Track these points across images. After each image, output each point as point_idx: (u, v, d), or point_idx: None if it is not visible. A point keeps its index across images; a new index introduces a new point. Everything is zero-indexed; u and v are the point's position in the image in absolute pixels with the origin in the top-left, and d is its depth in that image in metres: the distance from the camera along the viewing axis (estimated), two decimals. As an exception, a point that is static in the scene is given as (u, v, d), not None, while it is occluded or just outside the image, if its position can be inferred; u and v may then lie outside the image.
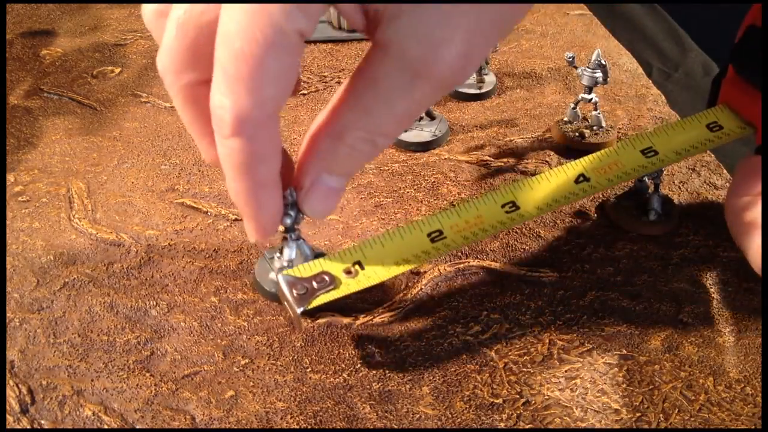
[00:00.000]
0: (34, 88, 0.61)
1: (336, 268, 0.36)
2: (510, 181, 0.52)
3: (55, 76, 0.62)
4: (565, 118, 0.56)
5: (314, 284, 0.35)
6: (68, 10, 0.72)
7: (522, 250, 0.46)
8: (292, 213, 0.39)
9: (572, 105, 0.56)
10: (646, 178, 0.47)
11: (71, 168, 0.52)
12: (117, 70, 0.63)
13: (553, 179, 0.40)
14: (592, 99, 0.55)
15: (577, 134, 0.55)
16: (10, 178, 0.51)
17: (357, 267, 0.36)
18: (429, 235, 0.37)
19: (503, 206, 0.39)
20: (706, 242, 0.47)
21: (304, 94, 0.61)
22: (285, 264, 0.40)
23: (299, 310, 0.35)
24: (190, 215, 0.49)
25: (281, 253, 0.40)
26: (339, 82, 0.62)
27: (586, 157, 0.41)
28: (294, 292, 0.35)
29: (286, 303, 0.36)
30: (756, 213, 0.37)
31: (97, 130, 0.56)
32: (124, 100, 0.60)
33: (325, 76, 0.63)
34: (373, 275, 0.36)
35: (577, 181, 0.40)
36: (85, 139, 0.55)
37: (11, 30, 0.69)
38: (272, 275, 0.41)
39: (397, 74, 0.29)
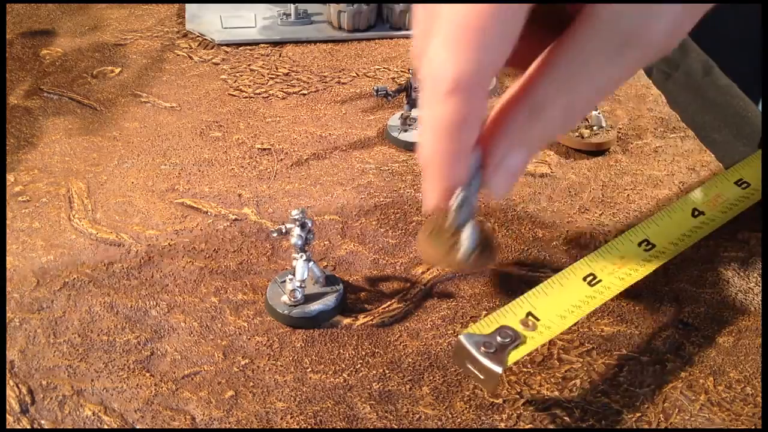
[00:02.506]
0: (34, 88, 0.61)
1: (511, 320, 0.36)
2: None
3: (55, 76, 0.62)
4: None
5: (499, 339, 0.35)
6: (68, 10, 0.72)
7: (522, 250, 0.46)
8: (302, 234, 0.40)
9: None
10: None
11: (71, 168, 0.52)
12: (117, 70, 0.63)
13: (674, 215, 0.44)
14: None
15: (577, 134, 0.55)
16: (10, 178, 0.51)
17: (531, 318, 0.36)
18: (584, 279, 0.39)
19: (639, 245, 0.41)
20: (707, 242, 0.47)
21: (304, 94, 0.61)
22: (297, 285, 0.41)
23: (499, 370, 0.33)
24: (190, 215, 0.49)
25: (293, 274, 0.41)
26: (339, 82, 0.62)
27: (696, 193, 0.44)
28: (483, 349, 0.34)
29: (470, 364, 0.34)
30: None
31: (97, 130, 0.56)
32: (124, 100, 0.60)
33: (325, 76, 0.63)
34: (552, 326, 0.36)
35: (693, 214, 0.44)
36: (85, 139, 0.55)
37: (11, 30, 0.69)
38: (284, 298, 0.41)
39: (605, 44, 0.29)
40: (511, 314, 0.37)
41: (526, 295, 0.38)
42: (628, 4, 0.28)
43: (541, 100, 0.30)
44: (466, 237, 0.36)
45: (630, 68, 0.30)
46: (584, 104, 0.31)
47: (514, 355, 0.35)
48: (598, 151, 0.55)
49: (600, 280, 0.39)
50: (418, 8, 0.32)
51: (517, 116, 0.31)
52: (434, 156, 0.31)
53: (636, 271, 0.40)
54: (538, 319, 0.36)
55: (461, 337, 0.35)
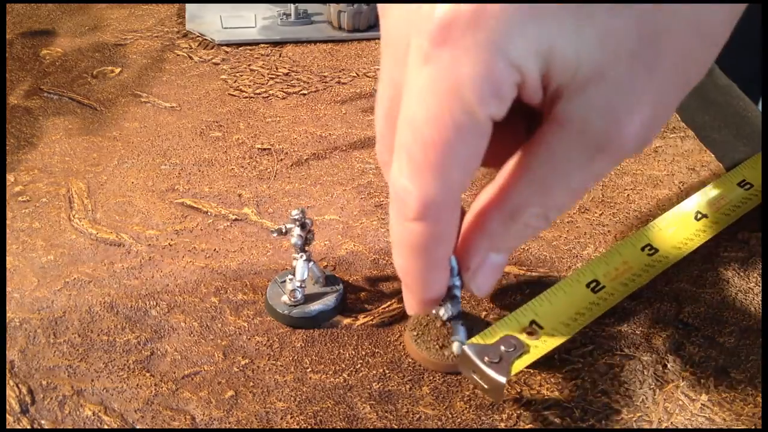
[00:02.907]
0: (34, 88, 0.61)
1: (515, 329, 0.36)
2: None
3: (55, 76, 0.62)
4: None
5: (502, 348, 0.35)
6: (68, 10, 0.72)
7: (522, 250, 0.46)
8: (302, 234, 0.40)
9: None
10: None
11: (71, 168, 0.52)
12: (117, 70, 0.63)
13: (676, 220, 0.44)
14: None
15: None
16: (10, 178, 0.51)
17: (535, 327, 0.36)
18: (588, 285, 0.39)
19: (642, 249, 0.42)
20: (706, 242, 0.47)
21: (304, 94, 0.61)
22: (297, 285, 0.41)
23: (503, 380, 0.33)
24: (190, 215, 0.49)
25: (293, 274, 0.41)
26: (339, 82, 0.62)
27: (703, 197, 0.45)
28: (486, 359, 0.34)
29: (475, 374, 0.34)
30: None
31: (97, 130, 0.56)
32: (124, 100, 0.60)
33: (325, 76, 0.63)
34: (555, 333, 0.36)
35: (696, 217, 0.44)
36: (85, 139, 0.55)
37: (11, 30, 0.69)
38: (284, 298, 0.41)
39: (577, 148, 0.28)
40: (514, 323, 0.37)
41: (529, 303, 0.38)
42: (597, 108, 0.27)
43: (517, 203, 0.30)
44: (457, 332, 0.37)
45: (604, 170, 0.29)
46: (560, 205, 0.31)
47: (518, 365, 0.35)
48: None
49: (603, 287, 0.39)
50: (378, 118, 0.31)
51: (494, 220, 0.31)
52: (408, 273, 0.32)
53: (639, 277, 0.40)
54: (541, 327, 0.36)
55: (465, 348, 0.35)
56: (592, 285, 0.39)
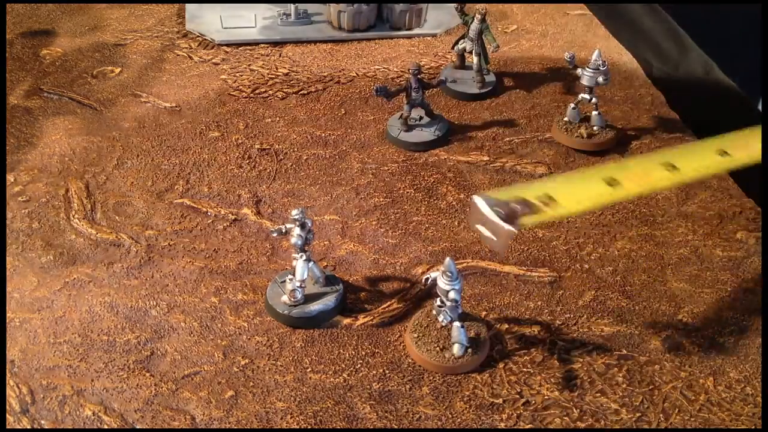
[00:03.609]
0: (34, 88, 0.61)
1: (529, 194, 0.37)
2: (511, 182, 0.52)
3: (55, 76, 0.62)
4: (566, 119, 0.56)
5: (512, 205, 0.36)
6: (68, 10, 0.72)
7: (521, 250, 0.46)
8: (302, 234, 0.40)
9: (572, 105, 0.56)
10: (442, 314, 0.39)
11: (71, 168, 0.52)
12: (117, 70, 0.63)
13: (699, 148, 0.43)
14: (592, 99, 0.55)
15: (577, 135, 0.55)
16: (10, 178, 0.51)
17: (549, 198, 0.37)
18: (605, 180, 0.39)
19: (661, 164, 0.41)
20: (705, 242, 0.47)
21: (303, 94, 0.61)
22: (297, 285, 0.41)
23: (512, 229, 0.35)
24: (190, 215, 0.49)
25: (293, 274, 0.41)
26: (339, 82, 0.62)
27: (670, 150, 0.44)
28: (496, 209, 0.35)
29: (484, 225, 0.36)
30: None
31: (97, 130, 0.56)
32: (124, 100, 0.60)
33: (325, 76, 0.63)
34: (567, 207, 0.37)
35: (720, 154, 0.43)
36: (85, 139, 0.55)
37: (11, 30, 0.69)
38: (284, 298, 0.41)
39: None
40: (529, 191, 0.37)
41: (546, 178, 0.39)
42: None
43: None
44: (456, 334, 0.38)
45: None
46: None
47: (527, 220, 0.35)
48: (598, 151, 0.55)
49: (620, 184, 0.39)
50: None
51: None
52: None
53: (655, 186, 0.40)
54: (554, 200, 0.37)
55: (475, 198, 0.36)
56: (609, 180, 0.39)
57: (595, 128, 0.55)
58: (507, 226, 0.35)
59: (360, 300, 0.43)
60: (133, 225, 0.48)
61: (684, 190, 0.51)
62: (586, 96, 0.55)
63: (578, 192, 0.38)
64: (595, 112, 0.55)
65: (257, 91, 0.61)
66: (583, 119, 0.56)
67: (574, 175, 0.39)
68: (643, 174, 0.40)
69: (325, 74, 0.63)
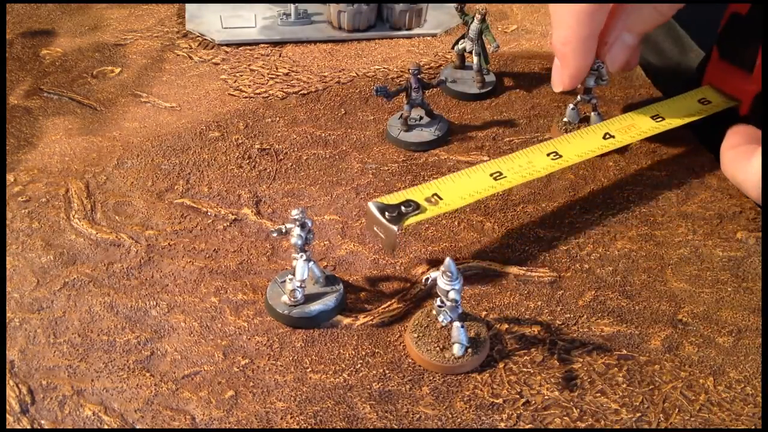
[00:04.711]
0: (34, 88, 0.61)
1: (418, 196, 0.43)
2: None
3: (55, 76, 0.62)
4: (565, 119, 0.56)
5: (402, 209, 0.42)
6: (68, 10, 0.72)
7: (521, 250, 0.46)
8: (302, 234, 0.40)
9: (572, 106, 0.56)
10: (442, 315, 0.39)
11: (71, 168, 0.52)
12: (117, 70, 0.63)
13: (585, 136, 0.50)
14: (591, 100, 0.55)
15: None
16: (10, 178, 0.51)
17: (436, 197, 0.43)
18: (491, 175, 0.45)
19: (548, 155, 0.47)
20: (705, 242, 0.47)
21: (303, 94, 0.61)
22: (297, 285, 0.41)
23: (396, 229, 0.40)
24: (190, 215, 0.49)
25: (293, 274, 0.41)
26: (339, 82, 0.62)
27: (608, 121, 0.52)
28: (386, 214, 0.41)
29: (377, 228, 0.41)
30: (750, 147, 0.44)
31: (97, 130, 0.56)
32: (124, 100, 0.60)
33: (325, 76, 0.63)
34: (450, 203, 0.43)
35: (604, 138, 0.50)
36: (84, 139, 0.55)
37: (11, 30, 0.69)
38: (284, 298, 0.41)
39: None
40: (418, 193, 0.43)
41: (435, 180, 0.44)
42: None
43: None
44: (456, 334, 0.39)
45: None
46: None
47: (412, 219, 0.41)
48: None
49: (505, 176, 0.45)
50: None
51: (628, 6, 0.42)
52: (567, 43, 0.42)
53: (538, 173, 0.46)
54: (441, 198, 0.43)
55: (369, 204, 0.42)
56: (495, 174, 0.45)
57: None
58: (392, 227, 0.40)
59: (360, 300, 0.43)
60: (133, 225, 0.48)
61: (684, 189, 0.51)
62: (585, 96, 0.55)
63: (464, 188, 0.44)
64: (594, 113, 0.55)
65: (257, 91, 0.61)
66: (583, 119, 0.56)
67: (461, 174, 0.45)
68: (528, 166, 0.46)
69: (325, 74, 0.63)
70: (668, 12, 0.46)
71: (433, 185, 0.44)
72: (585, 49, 0.44)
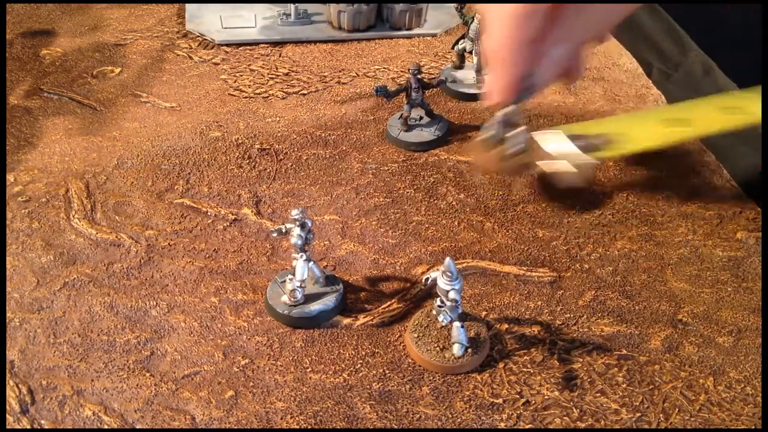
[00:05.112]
0: (34, 88, 0.61)
1: (604, 129, 0.40)
2: (511, 181, 0.52)
3: (55, 76, 0.62)
4: (489, 133, 0.44)
5: (591, 141, 0.39)
6: (68, 10, 0.72)
7: (521, 250, 0.46)
8: (302, 234, 0.40)
9: (498, 117, 0.43)
10: (442, 315, 0.39)
11: (71, 168, 0.52)
12: (117, 70, 0.63)
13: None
14: (516, 115, 0.43)
15: (495, 153, 0.44)
16: (10, 178, 0.51)
17: (621, 137, 0.40)
18: (668, 120, 0.42)
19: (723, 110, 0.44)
20: (705, 242, 0.47)
21: (304, 94, 0.61)
22: (297, 285, 0.41)
23: (593, 160, 0.38)
24: (190, 215, 0.49)
25: (293, 274, 0.41)
26: (339, 82, 0.62)
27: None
28: (578, 143, 0.39)
29: (550, 160, 0.39)
30: None
31: (97, 130, 0.56)
32: (124, 100, 0.60)
33: (325, 76, 0.63)
34: (637, 144, 0.40)
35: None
36: (85, 139, 0.55)
37: (11, 30, 0.69)
38: (284, 298, 0.41)
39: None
40: (600, 126, 0.40)
41: (615, 119, 0.42)
42: None
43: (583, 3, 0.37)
44: (456, 334, 0.39)
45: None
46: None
47: (607, 153, 0.39)
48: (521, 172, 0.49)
49: (686, 122, 0.42)
50: None
51: (565, 16, 0.38)
52: (502, 46, 0.38)
53: (719, 125, 0.42)
54: (623, 135, 0.40)
55: (555, 130, 0.39)
56: (671, 120, 0.42)
57: (518, 147, 0.44)
58: (589, 158, 0.38)
59: (360, 300, 0.43)
60: (133, 225, 0.48)
61: (684, 189, 0.51)
62: (513, 110, 0.43)
63: (649, 130, 0.41)
64: (518, 129, 0.43)
65: (258, 91, 0.61)
66: (506, 135, 0.45)
67: (639, 115, 0.42)
68: (704, 116, 0.43)
69: (326, 74, 0.63)
70: (607, 22, 0.41)
71: (612, 122, 0.41)
72: (520, 56, 0.39)
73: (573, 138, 0.39)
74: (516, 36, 0.38)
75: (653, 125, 0.42)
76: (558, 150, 0.38)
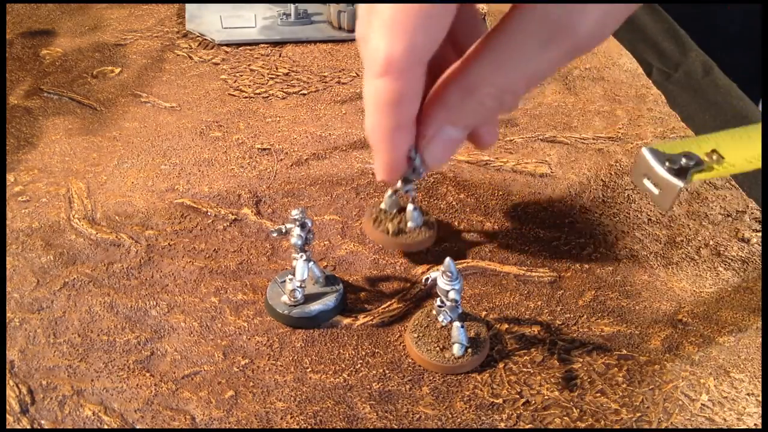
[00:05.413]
0: (34, 88, 0.61)
1: (696, 150, 0.36)
2: (512, 182, 0.52)
3: (55, 76, 0.62)
4: (381, 206, 0.45)
5: (684, 160, 0.35)
6: (68, 10, 0.72)
7: (522, 250, 0.46)
8: (302, 234, 0.40)
9: (389, 193, 0.45)
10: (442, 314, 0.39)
11: (71, 168, 0.52)
12: (117, 70, 0.63)
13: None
14: (407, 191, 0.43)
15: (383, 229, 0.45)
16: (10, 178, 0.51)
17: (717, 155, 0.36)
18: None
19: None
20: (706, 242, 0.47)
21: (304, 94, 0.61)
22: (297, 285, 0.41)
23: (680, 185, 0.34)
24: (190, 215, 0.49)
25: (293, 274, 0.41)
26: (339, 82, 0.62)
27: None
28: (667, 165, 0.35)
29: (648, 179, 0.35)
30: None
31: (97, 130, 0.56)
32: (124, 100, 0.60)
33: (325, 76, 0.63)
34: (737, 165, 0.36)
35: None
36: (85, 139, 0.55)
37: (11, 30, 0.69)
38: (284, 298, 0.41)
39: (534, 33, 0.31)
40: (695, 146, 0.36)
41: (711, 134, 0.37)
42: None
43: (474, 80, 0.33)
44: (456, 334, 0.39)
45: (556, 61, 0.32)
46: (514, 88, 0.34)
47: (698, 177, 0.35)
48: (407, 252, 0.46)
49: None
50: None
51: (453, 94, 0.34)
52: (375, 131, 0.35)
53: None
54: (723, 158, 0.36)
55: (644, 150, 0.35)
56: None
57: (410, 225, 0.45)
58: (675, 181, 0.34)
59: (360, 300, 0.43)
60: (133, 225, 0.48)
61: (684, 189, 0.51)
62: (403, 186, 0.42)
63: (749, 148, 0.37)
64: (411, 206, 0.44)
65: (258, 91, 0.61)
66: (400, 210, 0.45)
67: (741, 132, 0.38)
68: None
69: (326, 74, 0.63)
70: (495, 105, 0.34)
71: (709, 139, 0.37)
72: (393, 141, 0.35)
73: (666, 158, 0.35)
74: (384, 122, 0.34)
75: (755, 147, 0.38)
76: (648, 168, 0.35)
